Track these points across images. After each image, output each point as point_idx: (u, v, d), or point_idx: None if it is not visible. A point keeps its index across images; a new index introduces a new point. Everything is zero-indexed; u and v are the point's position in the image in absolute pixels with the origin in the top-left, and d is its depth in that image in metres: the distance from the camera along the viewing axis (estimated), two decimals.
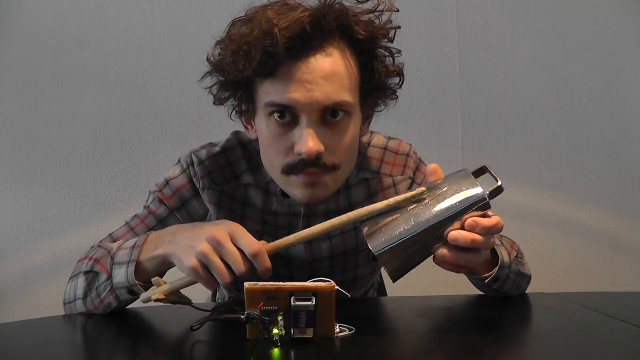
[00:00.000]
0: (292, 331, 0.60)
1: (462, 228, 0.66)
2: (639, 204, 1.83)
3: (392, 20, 0.78)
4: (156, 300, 0.70)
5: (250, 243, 0.67)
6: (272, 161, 0.80)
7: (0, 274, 1.66)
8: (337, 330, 0.64)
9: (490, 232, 0.66)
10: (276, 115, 0.76)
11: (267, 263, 0.68)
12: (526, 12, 1.81)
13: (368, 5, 0.78)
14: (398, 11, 0.78)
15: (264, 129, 0.79)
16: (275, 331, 0.59)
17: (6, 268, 1.66)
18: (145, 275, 0.76)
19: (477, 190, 0.66)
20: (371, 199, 0.90)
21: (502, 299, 0.86)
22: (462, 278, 0.86)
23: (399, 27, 0.80)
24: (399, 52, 0.82)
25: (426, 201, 0.67)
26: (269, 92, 0.76)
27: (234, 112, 0.86)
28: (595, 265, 1.81)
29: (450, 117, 1.79)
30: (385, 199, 0.69)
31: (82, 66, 1.70)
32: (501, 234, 0.76)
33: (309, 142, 0.73)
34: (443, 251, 0.66)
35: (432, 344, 0.65)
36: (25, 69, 1.68)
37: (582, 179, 1.81)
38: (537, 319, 0.82)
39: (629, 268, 1.81)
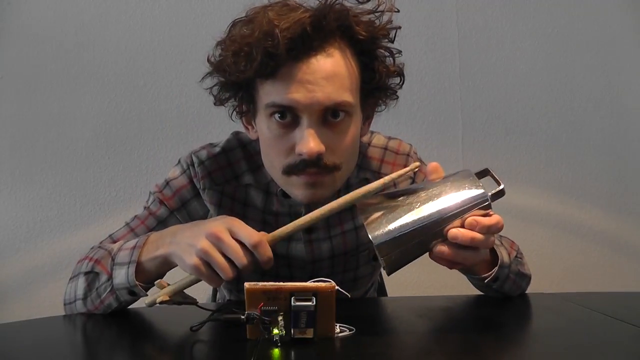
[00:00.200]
0: (292, 331, 0.60)
1: (462, 226, 0.66)
2: (639, 204, 1.83)
3: (392, 21, 0.79)
4: (161, 303, 0.70)
5: (250, 234, 0.67)
6: (273, 161, 0.80)
7: (0, 274, 1.66)
8: (337, 330, 0.64)
9: (490, 230, 0.66)
10: (277, 116, 0.76)
11: (269, 252, 0.68)
12: (526, 12, 1.81)
13: (368, 6, 0.78)
14: (398, 11, 0.78)
15: (264, 129, 0.79)
16: (275, 331, 0.59)
17: (6, 268, 1.66)
18: (146, 276, 0.76)
19: (480, 190, 0.67)
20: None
21: (502, 299, 0.87)
22: (462, 278, 0.87)
23: (399, 27, 0.80)
24: (399, 52, 0.82)
25: (428, 197, 0.67)
26: (269, 93, 0.76)
27: (234, 112, 0.86)
28: (595, 265, 1.81)
29: (450, 117, 1.79)
30: None
31: (82, 66, 1.70)
32: (500, 233, 0.76)
33: (309, 142, 0.73)
34: (441, 247, 0.66)
35: (432, 344, 0.65)
36: (25, 69, 1.68)
37: (582, 179, 1.81)
38: (537, 319, 0.82)
39: (629, 268, 1.81)
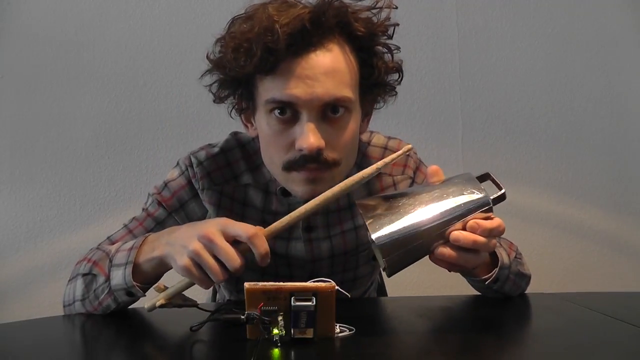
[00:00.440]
0: (292, 331, 0.60)
1: (463, 229, 0.66)
2: (639, 204, 1.83)
3: (390, 17, 0.79)
4: (160, 306, 0.69)
5: (245, 228, 0.67)
6: (273, 158, 0.80)
7: (0, 274, 1.66)
8: (337, 330, 0.64)
9: (491, 234, 0.67)
10: (277, 112, 0.76)
11: (265, 245, 0.67)
12: (526, 12, 1.81)
13: (367, 3, 0.78)
14: (396, 8, 0.79)
15: (264, 125, 0.79)
16: (275, 331, 0.59)
17: (6, 268, 1.66)
18: (143, 277, 0.76)
19: (482, 194, 0.67)
20: None
21: (501, 299, 0.86)
22: (462, 279, 0.86)
23: (398, 24, 0.80)
24: (398, 48, 0.83)
25: (430, 199, 0.67)
26: (269, 89, 0.76)
27: (234, 109, 0.86)
28: (595, 265, 1.81)
29: (450, 117, 1.79)
30: None
31: (82, 66, 1.70)
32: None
33: (309, 137, 0.74)
34: (442, 250, 0.66)
35: (432, 344, 0.65)
36: (25, 69, 1.68)
37: (582, 179, 1.81)
38: (537, 319, 0.81)
39: (629, 268, 1.81)
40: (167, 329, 0.77)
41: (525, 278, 0.88)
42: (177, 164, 0.93)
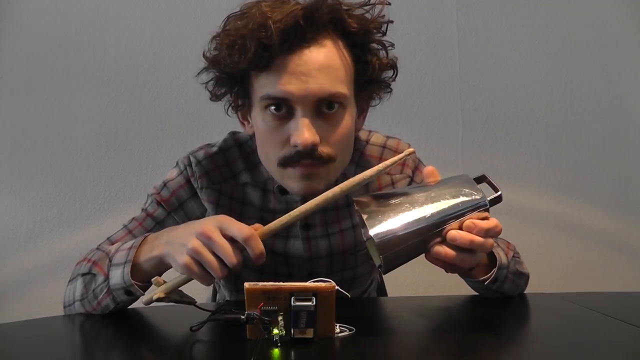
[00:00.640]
0: (292, 331, 0.60)
1: (460, 228, 0.67)
2: (638, 204, 1.83)
3: (384, 14, 0.80)
4: (157, 300, 0.70)
5: (241, 229, 0.67)
6: (269, 154, 0.81)
7: (0, 274, 1.66)
8: (337, 330, 0.64)
9: (487, 234, 0.67)
10: (272, 108, 0.77)
11: (260, 246, 0.67)
12: (526, 12, 1.81)
13: None
14: (389, 4, 0.79)
15: (260, 122, 0.79)
16: (275, 331, 0.59)
17: (6, 268, 1.66)
18: (142, 276, 0.76)
19: (479, 195, 0.68)
20: None
21: (501, 299, 0.86)
22: (462, 279, 0.86)
23: (392, 21, 0.81)
24: (392, 45, 0.83)
25: (428, 198, 0.68)
26: (264, 85, 0.77)
27: (230, 107, 0.86)
28: (595, 265, 1.81)
29: (450, 117, 1.79)
30: None
31: (82, 66, 1.70)
32: (500, 234, 0.76)
33: (304, 132, 0.74)
34: (439, 248, 0.67)
35: (432, 344, 0.65)
36: (25, 69, 1.68)
37: (582, 179, 1.81)
38: (536, 319, 0.81)
39: (629, 268, 1.81)
40: (167, 329, 0.77)
41: (524, 277, 0.88)
42: (176, 164, 0.94)
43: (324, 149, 0.77)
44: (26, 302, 1.65)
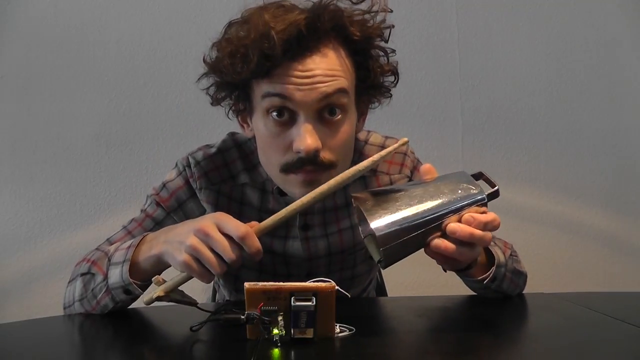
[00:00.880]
0: (292, 331, 0.60)
1: (459, 222, 0.67)
2: (638, 204, 1.83)
3: (385, 20, 0.80)
4: (158, 299, 0.70)
5: (237, 226, 0.67)
6: (270, 159, 0.81)
7: (0, 274, 1.66)
8: (337, 330, 0.64)
9: (486, 227, 0.67)
10: (274, 114, 0.77)
11: (256, 244, 0.68)
12: (526, 12, 1.81)
13: (362, 6, 0.79)
14: (391, 11, 0.80)
15: (261, 127, 0.79)
16: (275, 331, 0.59)
17: (6, 268, 1.66)
18: (142, 275, 0.76)
19: (477, 189, 0.69)
20: None
21: (501, 299, 0.86)
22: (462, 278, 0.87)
23: (393, 26, 0.81)
24: (393, 51, 0.84)
25: (427, 193, 0.68)
26: (265, 90, 0.77)
27: (231, 110, 0.86)
28: (595, 265, 1.81)
29: (450, 117, 1.79)
30: None
31: (82, 66, 1.70)
32: (500, 234, 0.77)
33: (307, 139, 0.74)
34: (438, 242, 0.67)
35: (432, 344, 0.66)
36: (25, 69, 1.68)
37: (582, 179, 1.81)
38: (536, 319, 0.82)
39: (629, 268, 1.81)
40: (167, 329, 0.77)
41: (522, 276, 0.88)
42: (176, 165, 0.94)
43: (325, 155, 0.77)
44: (26, 302, 1.65)
